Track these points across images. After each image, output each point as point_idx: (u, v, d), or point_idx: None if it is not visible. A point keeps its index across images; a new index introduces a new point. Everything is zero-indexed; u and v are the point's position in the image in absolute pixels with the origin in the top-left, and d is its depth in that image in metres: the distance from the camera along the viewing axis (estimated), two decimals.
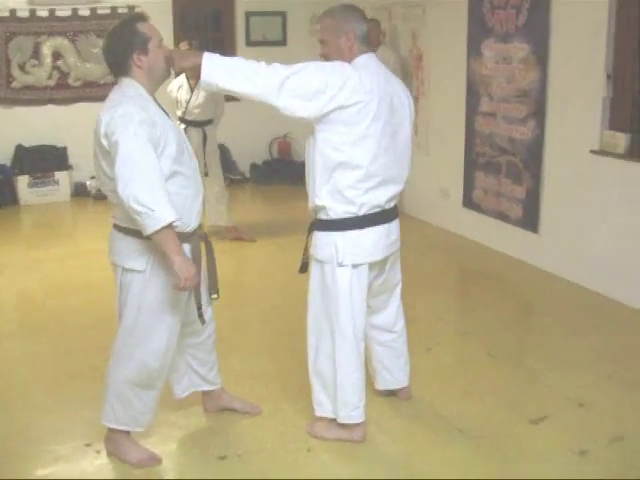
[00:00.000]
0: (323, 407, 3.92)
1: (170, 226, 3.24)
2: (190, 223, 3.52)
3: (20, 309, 6.06)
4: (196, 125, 7.47)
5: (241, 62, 3.52)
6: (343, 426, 3.90)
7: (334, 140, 3.54)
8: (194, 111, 7.43)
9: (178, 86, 7.49)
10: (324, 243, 3.69)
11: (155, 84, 3.57)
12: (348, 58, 3.64)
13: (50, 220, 9.31)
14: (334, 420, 3.91)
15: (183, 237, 3.44)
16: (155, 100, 3.52)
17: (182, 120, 7.42)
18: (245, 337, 5.27)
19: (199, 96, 7.36)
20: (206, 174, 7.13)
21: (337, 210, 3.62)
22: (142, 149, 3.23)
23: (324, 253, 3.70)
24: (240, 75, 3.47)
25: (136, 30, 3.44)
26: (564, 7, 6.14)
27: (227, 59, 3.52)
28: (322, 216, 3.68)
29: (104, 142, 3.30)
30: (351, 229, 3.65)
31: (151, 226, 3.20)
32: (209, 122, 7.49)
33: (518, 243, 6.95)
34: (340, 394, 3.81)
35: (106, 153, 3.32)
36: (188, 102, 7.40)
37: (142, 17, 3.53)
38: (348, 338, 3.76)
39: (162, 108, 3.54)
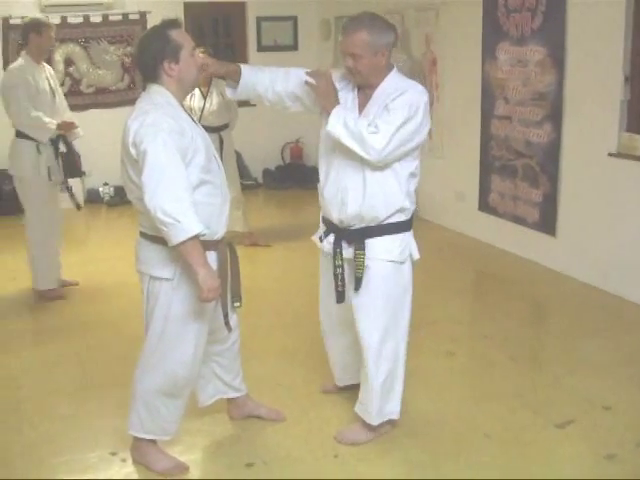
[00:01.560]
0: (392, 410, 3.99)
1: (196, 237, 3.22)
2: (217, 231, 3.50)
3: (39, 316, 6.05)
4: (212, 131, 7.39)
5: (360, 124, 3.55)
6: (377, 427, 3.96)
7: (415, 152, 3.75)
8: (209, 117, 7.40)
9: (190, 94, 7.47)
10: (403, 243, 3.80)
11: (185, 92, 3.56)
12: (379, 74, 3.71)
13: (63, 227, 9.28)
14: (368, 425, 3.96)
15: (210, 245, 3.43)
16: (184, 108, 3.50)
17: None
18: (267, 343, 5.26)
19: (213, 102, 7.35)
20: None
21: (411, 210, 3.82)
22: (170, 159, 3.21)
23: (402, 253, 3.80)
24: (357, 137, 3.55)
25: (168, 37, 3.37)
26: (580, 9, 6.13)
27: (350, 119, 3.57)
28: (394, 219, 3.76)
29: (132, 151, 3.27)
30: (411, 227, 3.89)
31: (177, 237, 3.19)
32: (225, 127, 7.47)
33: (535, 246, 6.93)
34: (398, 391, 3.94)
35: (134, 161, 3.30)
36: (202, 109, 7.39)
37: (175, 24, 3.45)
38: (407, 332, 3.94)
39: (190, 116, 3.52)
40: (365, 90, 3.75)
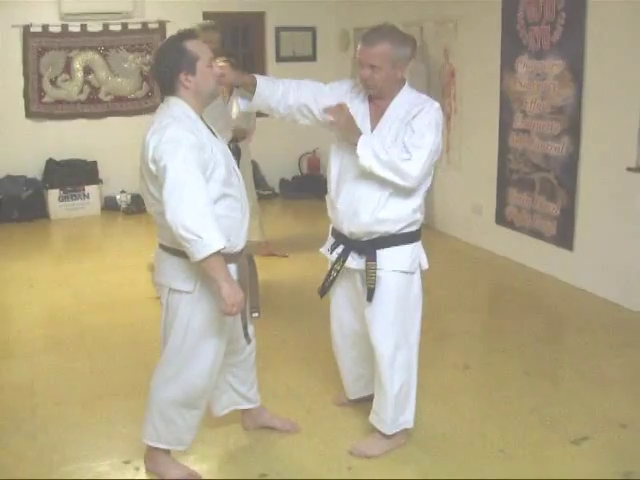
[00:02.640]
0: (406, 420, 4.00)
1: (218, 252, 3.20)
2: (238, 244, 3.50)
3: (53, 324, 6.05)
4: (230, 141, 7.42)
5: (392, 153, 3.57)
6: (391, 437, 3.96)
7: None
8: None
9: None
10: (413, 254, 3.83)
11: (203, 104, 3.50)
12: (394, 87, 3.73)
13: (80, 234, 9.36)
14: (383, 436, 3.96)
15: (230, 257, 3.41)
16: (203, 120, 3.46)
17: None
18: (281, 354, 5.25)
19: (232, 112, 7.34)
20: None
21: (420, 221, 3.87)
22: (191, 174, 3.19)
23: (413, 264, 3.83)
24: (391, 167, 3.58)
25: (184, 49, 3.34)
26: (600, 23, 6.11)
27: (379, 149, 3.57)
28: (405, 230, 3.78)
29: (152, 167, 3.25)
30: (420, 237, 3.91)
31: (200, 253, 3.17)
32: (242, 137, 7.46)
33: (552, 260, 6.90)
34: (412, 399, 3.96)
35: (154, 177, 3.28)
36: None
37: (191, 35, 3.43)
38: (418, 341, 3.97)
39: (210, 129, 3.49)
40: (377, 102, 3.77)
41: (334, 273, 3.92)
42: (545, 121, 6.78)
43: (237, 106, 7.28)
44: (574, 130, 6.45)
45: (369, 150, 3.56)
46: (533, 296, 6.54)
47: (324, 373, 4.80)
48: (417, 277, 3.89)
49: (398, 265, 3.78)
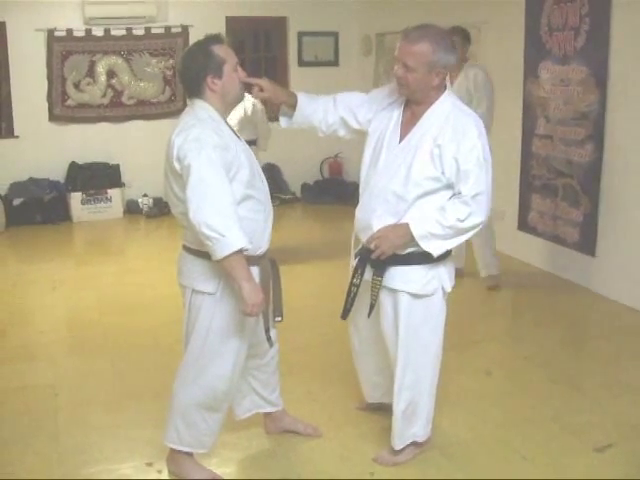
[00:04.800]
0: (415, 433, 3.92)
1: (240, 252, 3.22)
2: (260, 246, 3.50)
3: (76, 326, 6.08)
4: None
5: (448, 219, 3.43)
6: (401, 451, 3.91)
7: None
8: None
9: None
10: (429, 275, 3.61)
11: (228, 107, 3.55)
12: (428, 93, 3.52)
13: (102, 237, 9.41)
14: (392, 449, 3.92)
15: (253, 260, 3.42)
16: (227, 123, 3.49)
17: None
18: (304, 358, 5.24)
19: (232, 117, 7.23)
20: None
21: None
22: (214, 174, 3.22)
23: (427, 286, 3.62)
24: (457, 231, 3.48)
25: (211, 53, 3.38)
26: (624, 29, 6.08)
27: (433, 228, 3.45)
28: (421, 249, 3.55)
29: (176, 166, 3.28)
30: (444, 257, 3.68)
31: (221, 252, 3.19)
32: (251, 143, 7.41)
33: (575, 266, 6.87)
34: (423, 414, 3.87)
35: (178, 176, 3.31)
36: None
37: (218, 39, 3.45)
38: (440, 361, 3.86)
39: (234, 131, 3.52)
40: (412, 107, 3.59)
41: (354, 289, 3.74)
42: (568, 127, 6.75)
43: (236, 110, 7.18)
44: (598, 136, 6.42)
45: (425, 234, 3.45)
46: (555, 302, 6.50)
47: (346, 378, 4.77)
48: (437, 300, 3.69)
49: (410, 286, 3.61)
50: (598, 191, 6.50)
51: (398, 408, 3.80)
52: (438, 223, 3.44)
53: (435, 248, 3.49)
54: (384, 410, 4.19)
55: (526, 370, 5.10)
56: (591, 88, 6.44)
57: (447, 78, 3.67)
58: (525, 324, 6.14)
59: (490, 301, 6.53)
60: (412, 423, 3.85)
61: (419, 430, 3.87)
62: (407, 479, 3.79)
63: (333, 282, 6.99)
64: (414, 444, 3.92)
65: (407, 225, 3.49)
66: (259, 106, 7.33)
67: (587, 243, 6.67)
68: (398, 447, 3.88)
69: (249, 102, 7.26)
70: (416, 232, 3.46)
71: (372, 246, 3.55)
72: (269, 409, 4.12)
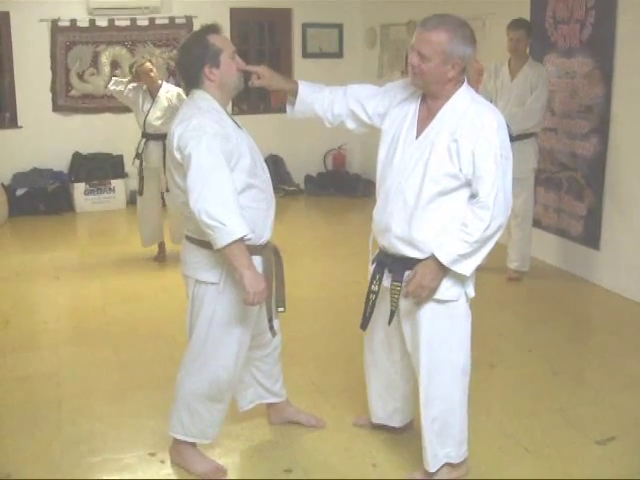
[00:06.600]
0: (447, 454, 3.67)
1: (241, 240, 3.21)
2: (262, 236, 3.50)
3: (80, 315, 6.08)
4: (156, 139, 7.11)
5: (473, 233, 3.28)
6: (435, 473, 3.65)
7: None
8: (153, 123, 7.15)
9: (140, 94, 7.24)
10: (450, 280, 3.43)
11: (228, 96, 3.55)
12: (444, 86, 3.36)
13: (106, 227, 9.42)
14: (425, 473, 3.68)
15: (255, 250, 3.43)
16: (227, 112, 3.50)
17: (142, 134, 7.25)
18: (307, 349, 5.25)
19: (158, 107, 7.12)
20: (167, 189, 6.71)
21: None
22: (215, 162, 3.22)
23: (450, 291, 3.45)
24: (483, 242, 3.33)
25: (207, 42, 3.40)
26: (630, 22, 6.07)
27: (460, 248, 3.29)
28: None
29: (177, 155, 3.29)
30: None
31: (222, 240, 3.18)
32: None
33: (578, 260, 6.87)
34: (454, 432, 3.64)
35: (179, 166, 3.32)
36: (147, 114, 7.16)
37: (214, 29, 3.46)
38: (468, 376, 3.70)
39: (234, 121, 3.51)
40: (428, 102, 3.43)
41: (372, 296, 3.60)
42: (573, 120, 6.74)
43: (166, 101, 7.06)
44: (603, 129, 6.41)
45: (453, 258, 3.31)
46: (559, 295, 6.50)
47: (350, 369, 4.78)
48: (460, 305, 3.54)
49: (437, 293, 3.45)
50: (602, 184, 6.49)
51: (426, 424, 3.58)
52: (464, 242, 3.30)
53: (467, 269, 3.36)
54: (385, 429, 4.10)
55: (530, 363, 5.09)
56: (596, 81, 6.43)
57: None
58: (529, 317, 6.14)
59: (494, 294, 6.51)
60: (444, 443, 3.60)
61: (451, 451, 3.63)
62: (410, 471, 3.78)
63: (336, 273, 7.04)
64: (448, 465, 3.65)
65: (433, 260, 3.34)
66: (184, 96, 7.01)
67: (591, 236, 6.66)
68: (432, 469, 3.62)
69: (174, 92, 7.11)
70: (445, 259, 3.31)
71: (412, 300, 3.45)
72: (272, 400, 4.12)
